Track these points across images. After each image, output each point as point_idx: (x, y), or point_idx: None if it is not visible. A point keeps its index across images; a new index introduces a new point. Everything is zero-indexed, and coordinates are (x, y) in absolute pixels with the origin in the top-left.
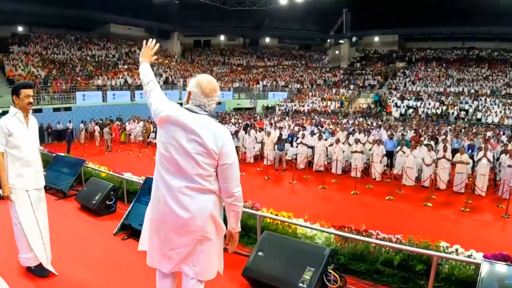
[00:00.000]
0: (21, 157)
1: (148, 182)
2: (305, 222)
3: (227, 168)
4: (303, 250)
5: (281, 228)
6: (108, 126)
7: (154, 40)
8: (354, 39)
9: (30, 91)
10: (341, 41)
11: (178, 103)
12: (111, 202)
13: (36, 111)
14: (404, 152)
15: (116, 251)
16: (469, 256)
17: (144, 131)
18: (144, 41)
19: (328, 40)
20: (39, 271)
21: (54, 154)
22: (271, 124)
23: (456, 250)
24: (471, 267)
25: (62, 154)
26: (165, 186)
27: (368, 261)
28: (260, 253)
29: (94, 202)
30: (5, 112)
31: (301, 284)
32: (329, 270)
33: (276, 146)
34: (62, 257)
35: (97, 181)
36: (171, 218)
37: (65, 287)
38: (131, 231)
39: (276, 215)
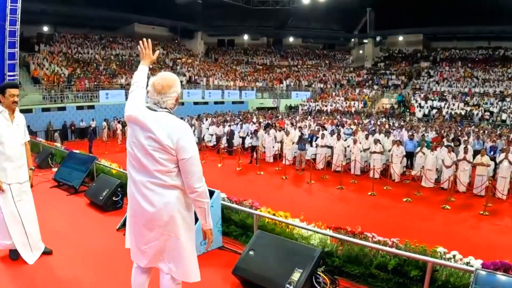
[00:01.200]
0: (4, 153)
1: None
2: (301, 222)
3: (185, 162)
4: (293, 251)
5: (279, 228)
6: None
7: (149, 40)
8: (378, 38)
9: (15, 91)
10: (365, 41)
11: (201, 102)
12: (117, 198)
13: (60, 109)
14: (424, 153)
15: (117, 246)
16: (467, 263)
17: None
18: (140, 42)
19: (352, 40)
20: (12, 254)
21: (68, 151)
22: (292, 123)
23: (454, 256)
24: (469, 275)
25: (76, 151)
26: (133, 182)
27: (363, 265)
28: (251, 252)
29: (101, 198)
30: (29, 110)
31: (288, 285)
32: (318, 272)
33: (297, 145)
34: (64, 250)
35: (106, 177)
36: (139, 212)
37: (64, 280)
38: None
39: (274, 214)
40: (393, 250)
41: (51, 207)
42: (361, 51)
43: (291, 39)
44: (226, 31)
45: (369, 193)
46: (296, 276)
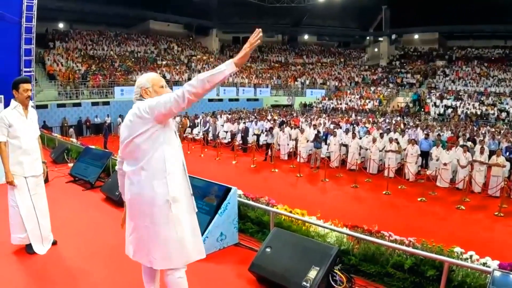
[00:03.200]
0: (21, 146)
1: None
2: (318, 220)
3: (156, 103)
4: (310, 249)
5: (295, 225)
6: None
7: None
8: (393, 36)
9: (28, 86)
10: (380, 39)
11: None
12: None
13: (75, 105)
14: (439, 153)
15: None
16: (484, 264)
17: (180, 126)
18: (254, 35)
19: (367, 38)
20: (29, 248)
21: (84, 147)
22: (306, 121)
23: (471, 256)
24: (486, 275)
25: (92, 147)
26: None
27: (379, 264)
28: (267, 250)
29: (117, 193)
30: (44, 106)
31: (304, 283)
32: (335, 270)
33: (313, 143)
34: (78, 244)
35: None
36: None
37: (78, 272)
38: None
39: (290, 212)
40: (411, 249)
41: (66, 201)
42: (376, 49)
43: (306, 36)
44: (241, 28)
45: (384, 192)
46: (312, 274)
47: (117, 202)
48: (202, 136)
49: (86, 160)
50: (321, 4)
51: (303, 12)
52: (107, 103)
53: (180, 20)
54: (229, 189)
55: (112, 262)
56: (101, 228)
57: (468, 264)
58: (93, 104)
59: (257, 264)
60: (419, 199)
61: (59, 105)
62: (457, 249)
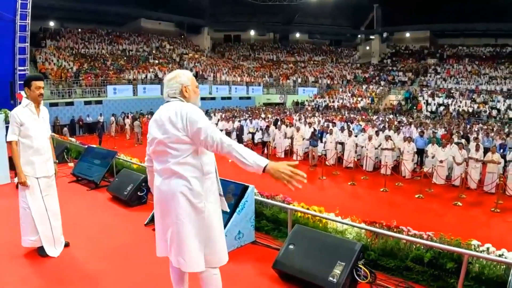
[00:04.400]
0: (32, 146)
1: None
2: (336, 216)
3: (199, 131)
4: (334, 245)
5: (312, 222)
6: (138, 119)
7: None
8: (385, 35)
9: (41, 83)
10: (371, 37)
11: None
12: (142, 194)
13: (68, 104)
14: (435, 150)
15: (146, 241)
16: (500, 256)
17: None
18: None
19: (359, 36)
20: (41, 251)
21: (86, 146)
22: (300, 119)
23: (488, 249)
24: (502, 266)
25: (94, 146)
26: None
27: (398, 258)
28: (291, 247)
29: (125, 193)
30: None
31: (331, 278)
32: (359, 265)
33: (309, 141)
34: (91, 244)
35: (129, 172)
36: (158, 200)
37: (94, 275)
38: None
39: (307, 209)
40: (431, 243)
41: (73, 201)
42: (367, 48)
43: (297, 35)
44: (233, 26)
45: (381, 189)
46: (338, 269)
47: (125, 201)
48: None
49: (89, 160)
50: (313, 3)
51: (295, 10)
52: (99, 102)
53: (171, 18)
54: (246, 188)
55: (128, 262)
56: (112, 228)
57: (487, 256)
58: (86, 103)
59: (281, 261)
60: (416, 195)
61: (51, 104)
62: (474, 242)
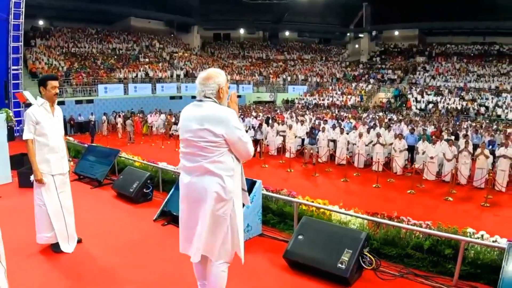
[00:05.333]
0: (48, 144)
1: None
2: (340, 209)
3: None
4: (340, 234)
5: (316, 215)
6: (130, 118)
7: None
8: (374, 33)
9: (56, 83)
10: (360, 35)
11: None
12: (148, 190)
13: (59, 103)
14: (425, 147)
15: (156, 236)
16: (494, 241)
17: (166, 123)
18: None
19: (348, 34)
20: (55, 247)
21: (87, 145)
22: (292, 117)
23: (482, 236)
24: (495, 252)
25: (95, 145)
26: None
27: (399, 246)
28: (300, 237)
29: (131, 190)
30: (29, 105)
31: (339, 265)
32: (365, 253)
33: (308, 139)
34: (103, 240)
35: (134, 170)
36: (185, 196)
37: (108, 270)
38: (171, 218)
39: (312, 202)
40: (430, 231)
41: (78, 199)
42: (356, 46)
43: (287, 33)
44: (222, 25)
45: (374, 185)
46: (347, 256)
47: (131, 198)
48: None
49: (91, 158)
50: (302, 1)
51: (285, 8)
52: (90, 101)
53: (161, 17)
54: (254, 182)
55: (141, 257)
56: (120, 224)
57: (483, 242)
58: (77, 102)
59: (291, 251)
60: (408, 191)
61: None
62: (470, 230)
